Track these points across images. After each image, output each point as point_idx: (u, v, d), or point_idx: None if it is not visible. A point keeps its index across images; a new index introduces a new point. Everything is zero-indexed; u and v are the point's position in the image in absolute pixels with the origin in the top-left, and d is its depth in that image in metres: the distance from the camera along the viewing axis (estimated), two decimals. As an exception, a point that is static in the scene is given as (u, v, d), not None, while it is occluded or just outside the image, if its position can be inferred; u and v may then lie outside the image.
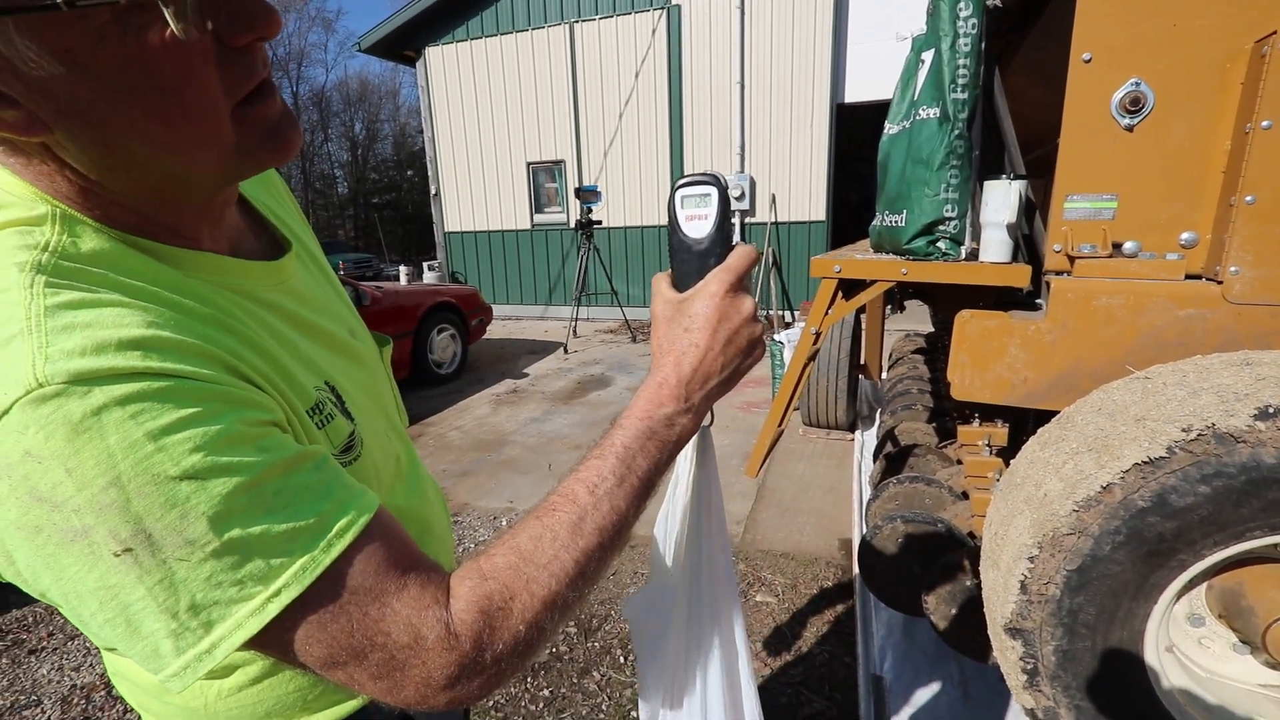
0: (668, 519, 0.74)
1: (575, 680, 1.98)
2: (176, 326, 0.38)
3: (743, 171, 7.31)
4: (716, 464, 0.72)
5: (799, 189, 7.26)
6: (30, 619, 2.36)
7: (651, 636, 0.74)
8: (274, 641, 0.39)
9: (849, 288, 1.76)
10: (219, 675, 0.50)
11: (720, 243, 0.56)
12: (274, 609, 0.37)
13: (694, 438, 0.67)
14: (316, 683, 0.53)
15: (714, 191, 0.55)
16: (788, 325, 6.87)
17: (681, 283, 0.57)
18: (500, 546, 0.45)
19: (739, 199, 7.24)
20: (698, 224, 0.56)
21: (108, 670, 0.58)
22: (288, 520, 0.38)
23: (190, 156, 0.41)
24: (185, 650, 0.36)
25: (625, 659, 2.06)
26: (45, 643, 2.23)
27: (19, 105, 0.35)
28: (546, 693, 1.93)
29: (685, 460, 0.71)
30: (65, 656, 2.15)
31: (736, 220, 7.42)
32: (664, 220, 7.76)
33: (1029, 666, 1.09)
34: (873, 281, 1.67)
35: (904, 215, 1.56)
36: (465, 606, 0.41)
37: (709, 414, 0.58)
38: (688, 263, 0.57)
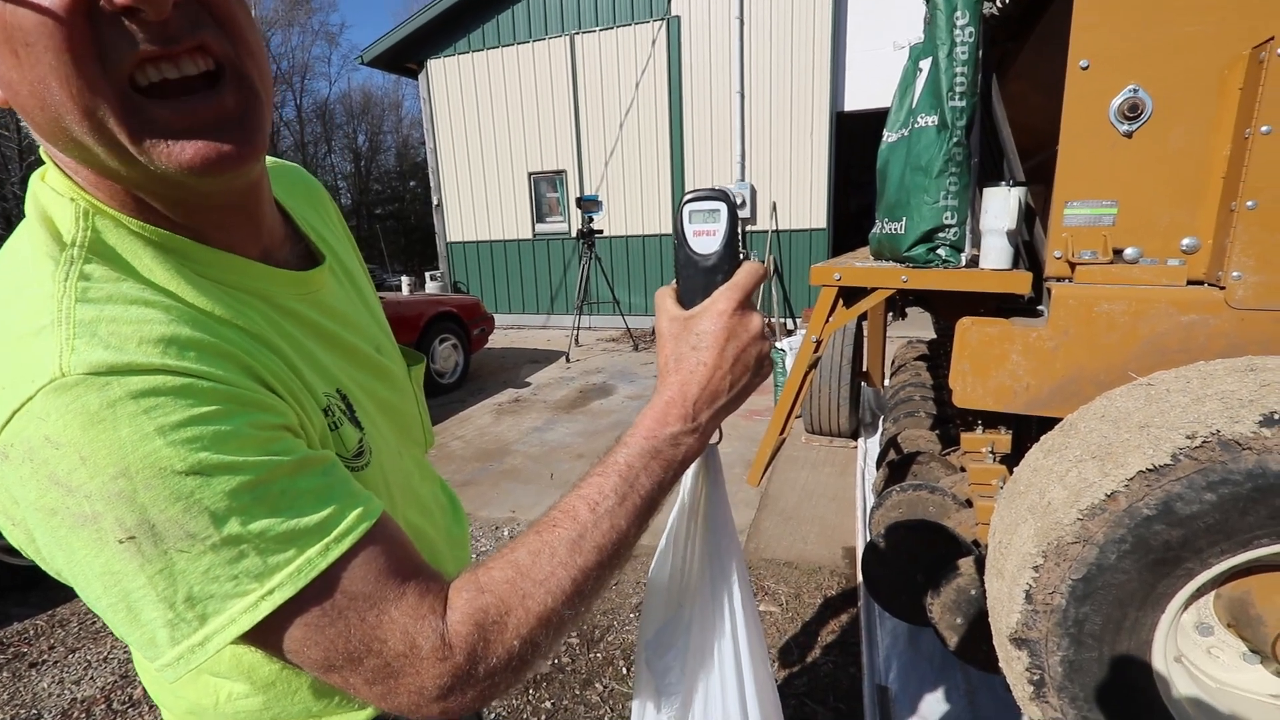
0: (671, 545, 0.71)
1: (577, 692, 1.96)
2: (196, 326, 0.39)
3: (743, 180, 7.33)
4: (724, 483, 0.69)
5: (799, 197, 7.28)
6: (31, 632, 2.35)
7: (675, 676, 0.70)
8: (269, 640, 0.39)
9: (849, 295, 1.76)
10: (227, 676, 0.51)
11: (728, 259, 0.55)
12: (267, 607, 0.37)
13: (707, 460, 0.67)
14: (322, 694, 0.53)
15: (723, 207, 0.54)
16: (789, 333, 6.86)
17: (687, 299, 0.56)
18: (499, 560, 0.45)
19: (740, 207, 7.24)
20: (706, 240, 0.55)
21: (135, 663, 0.59)
22: (289, 521, 0.38)
23: (87, 134, 0.38)
24: (179, 641, 0.37)
25: (628, 670, 2.04)
26: (46, 656, 2.22)
27: None
28: (548, 704, 1.91)
29: (689, 481, 0.69)
30: (66, 670, 2.14)
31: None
32: (665, 229, 7.72)
33: (1035, 677, 1.08)
34: (873, 289, 1.67)
35: (904, 222, 1.56)
36: (461, 618, 0.41)
37: (718, 432, 0.57)
38: (694, 279, 0.55)
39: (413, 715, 0.42)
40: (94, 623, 2.41)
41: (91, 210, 0.41)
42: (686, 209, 0.55)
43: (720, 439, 0.61)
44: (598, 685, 1.98)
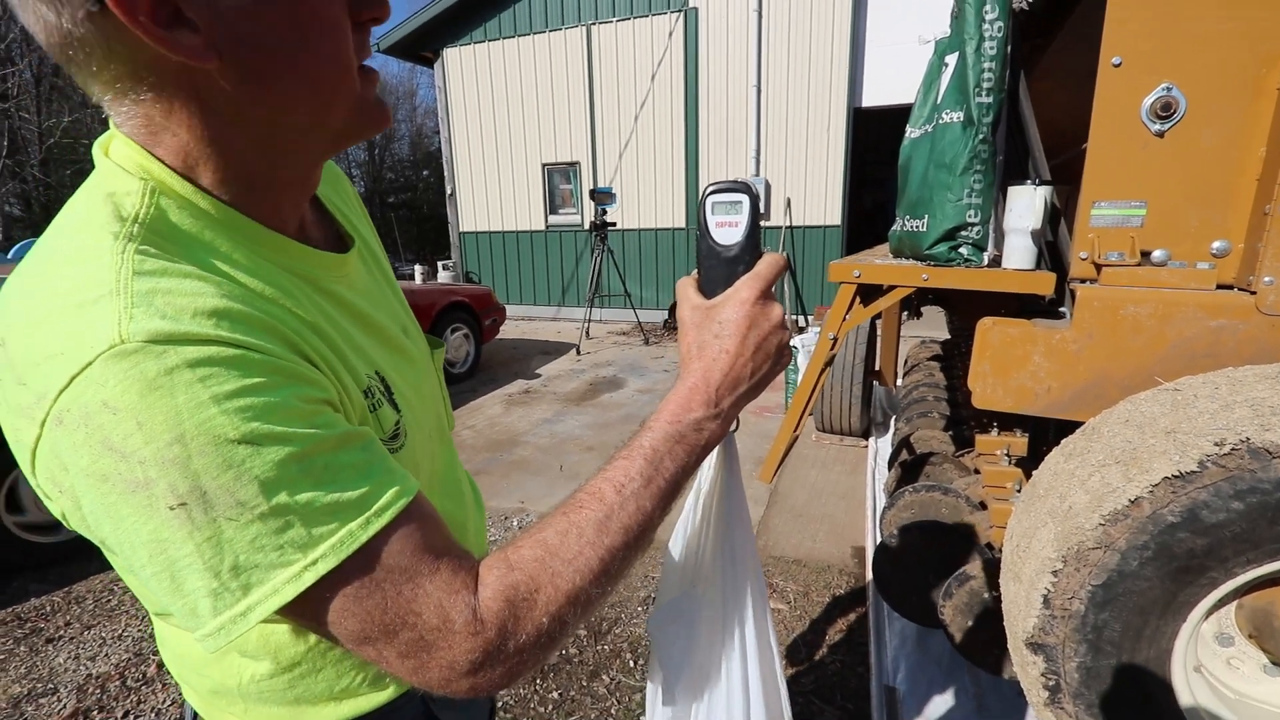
0: (687, 528, 0.74)
1: (585, 683, 1.97)
2: (246, 302, 0.40)
3: (758, 175, 7.28)
4: (740, 470, 0.72)
5: (814, 193, 7.22)
6: (49, 608, 2.39)
7: (679, 649, 0.73)
8: (309, 611, 0.39)
9: (866, 293, 1.75)
10: (254, 656, 0.51)
11: (750, 250, 0.56)
12: (310, 578, 0.38)
13: (723, 446, 0.69)
14: (344, 675, 0.54)
15: (745, 199, 0.55)
16: (801, 330, 6.83)
17: (709, 288, 0.57)
18: (528, 539, 0.46)
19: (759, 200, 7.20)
20: (728, 230, 0.56)
21: (157, 639, 0.59)
22: (332, 493, 0.39)
23: (327, 104, 0.45)
24: (222, 611, 0.37)
25: (635, 663, 2.05)
26: (62, 632, 2.26)
27: (199, 31, 0.38)
28: (555, 695, 1.92)
29: (707, 468, 0.71)
30: (82, 646, 2.18)
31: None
32: (679, 224, 7.70)
33: (1051, 683, 1.07)
34: (892, 287, 1.65)
35: (925, 220, 1.54)
36: (492, 595, 0.42)
37: (736, 421, 0.57)
38: (716, 269, 0.56)
39: (441, 690, 0.43)
40: (109, 600, 2.45)
41: (158, 188, 0.42)
42: (709, 200, 0.56)
43: (738, 427, 0.61)
44: (605, 677, 1.99)
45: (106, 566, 2.66)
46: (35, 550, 2.64)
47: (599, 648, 2.12)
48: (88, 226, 0.40)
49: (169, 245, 0.40)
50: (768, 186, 7.24)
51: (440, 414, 0.67)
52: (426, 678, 0.42)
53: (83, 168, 16.54)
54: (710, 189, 0.56)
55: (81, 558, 2.72)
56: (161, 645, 0.58)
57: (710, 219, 0.56)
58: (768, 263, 0.55)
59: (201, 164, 0.44)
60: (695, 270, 0.59)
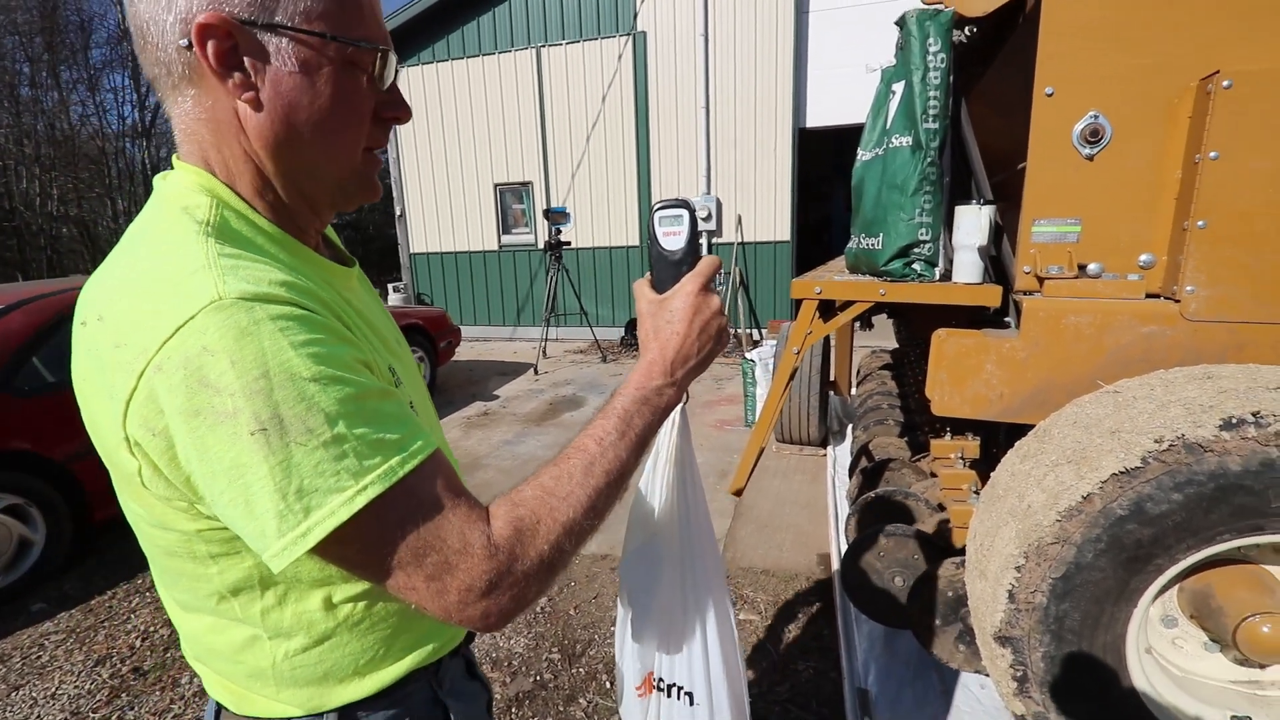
0: (648, 488, 0.88)
1: (561, 708, 1.94)
2: (301, 280, 0.51)
3: (709, 193, 7.45)
4: (691, 436, 0.88)
5: (764, 210, 7.43)
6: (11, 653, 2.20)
7: (644, 588, 0.89)
8: (354, 536, 0.45)
9: (824, 307, 1.82)
10: (287, 635, 0.57)
11: (691, 253, 0.68)
12: (361, 501, 0.44)
13: (678, 417, 0.85)
14: (367, 648, 0.60)
15: (685, 213, 0.68)
16: (756, 344, 6.98)
17: (660, 286, 0.69)
18: (528, 484, 0.54)
19: (705, 219, 7.37)
20: (673, 239, 0.68)
21: (184, 640, 0.65)
22: (378, 433, 0.47)
23: (335, 169, 0.57)
24: (286, 532, 0.44)
25: (611, 685, 2.03)
26: (23, 680, 2.08)
27: (251, 83, 0.50)
28: (532, 722, 1.89)
29: (664, 435, 0.86)
30: (10, 708, 2.00)
31: (704, 239, 7.53)
32: (633, 241, 7.78)
33: (1019, 674, 1.13)
34: (851, 302, 1.73)
35: (880, 238, 1.62)
36: (502, 525, 0.50)
37: (685, 395, 0.71)
38: (665, 269, 0.69)
39: (457, 614, 0.49)
40: (39, 657, 2.27)
41: (220, 204, 0.52)
42: (657, 215, 0.69)
43: (688, 399, 0.77)
44: (581, 700, 1.97)
45: (34, 620, 2.47)
46: (-48, 605, 2.44)
47: (574, 671, 2.10)
48: (171, 229, 0.50)
49: (233, 243, 0.50)
50: (719, 204, 7.42)
51: (434, 420, 0.74)
52: (446, 601, 0.48)
53: (-6, 190, 15.56)
54: (657, 205, 0.69)
55: (5, 612, 2.52)
56: (191, 643, 0.63)
57: (658, 229, 0.68)
58: (706, 262, 0.68)
59: (239, 181, 0.54)
60: (648, 273, 0.71)
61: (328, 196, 0.59)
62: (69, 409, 2.54)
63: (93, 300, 0.48)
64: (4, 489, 2.57)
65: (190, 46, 0.48)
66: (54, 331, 2.88)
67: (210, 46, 0.48)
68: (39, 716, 1.97)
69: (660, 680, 0.93)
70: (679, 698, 0.91)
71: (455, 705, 0.69)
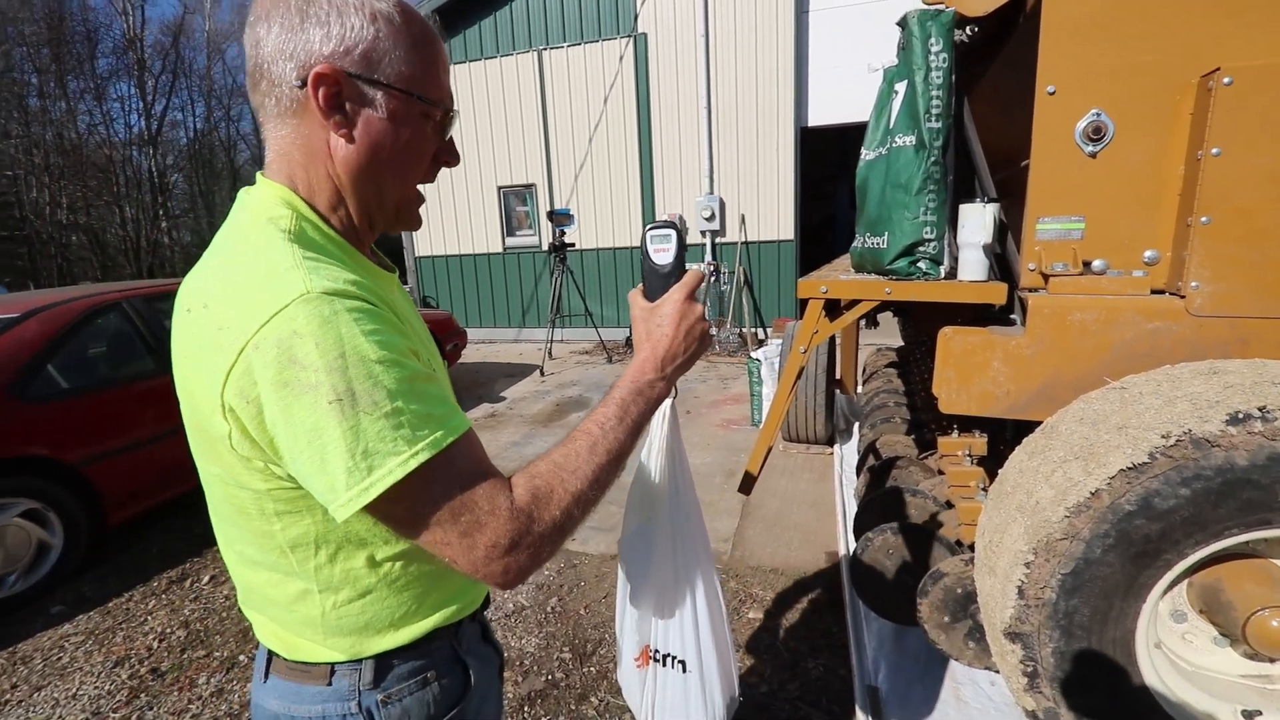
0: (643, 474, 1.01)
1: (573, 707, 1.96)
2: (364, 279, 0.61)
3: (712, 192, 7.46)
4: (680, 429, 1.01)
5: (767, 209, 7.43)
6: (-9, 672, 2.24)
7: (640, 562, 1.03)
8: (404, 495, 0.54)
9: (830, 306, 1.83)
10: (337, 589, 0.65)
11: (678, 267, 0.79)
12: (414, 464, 0.53)
13: (669, 412, 0.97)
14: (402, 603, 0.68)
15: (674, 233, 0.80)
16: (760, 343, 6.98)
17: (651, 295, 0.80)
18: (541, 460, 0.64)
19: (709, 219, 7.39)
20: (663, 254, 0.79)
21: (242, 593, 0.73)
22: (426, 409, 0.56)
23: (392, 198, 0.69)
24: (353, 486, 0.53)
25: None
26: (9, 695, 2.11)
27: (350, 122, 0.62)
28: (545, 721, 1.90)
29: (657, 428, 0.97)
30: (32, 709, 2.04)
31: (707, 240, 7.54)
32: (636, 242, 7.82)
33: (1029, 669, 1.14)
34: (856, 301, 1.74)
35: (885, 237, 1.63)
36: (522, 492, 0.59)
37: (674, 390, 0.81)
38: (655, 281, 0.80)
39: (483, 568, 0.57)
40: (60, 658, 2.30)
41: (299, 216, 0.63)
42: (649, 234, 0.80)
43: (676, 394, 0.89)
44: (593, 699, 1.98)
45: (54, 623, 2.51)
46: (-27, 610, 2.47)
47: (585, 670, 2.11)
48: (261, 235, 0.59)
49: (310, 248, 0.60)
50: (722, 204, 7.42)
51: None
52: (474, 556, 0.56)
53: (5, 200, 15.70)
54: (649, 227, 0.80)
55: (25, 614, 2.56)
56: (250, 594, 0.72)
57: (650, 247, 0.80)
58: (691, 275, 0.79)
59: (318, 197, 0.65)
60: (641, 284, 0.82)
61: (384, 219, 0.70)
62: (84, 415, 2.58)
63: (195, 291, 0.59)
64: (22, 494, 2.61)
65: (303, 87, 0.60)
66: (68, 339, 2.92)
67: (321, 91, 0.59)
68: (61, 716, 2.00)
69: (656, 651, 1.05)
70: (673, 666, 1.04)
71: (472, 663, 0.78)
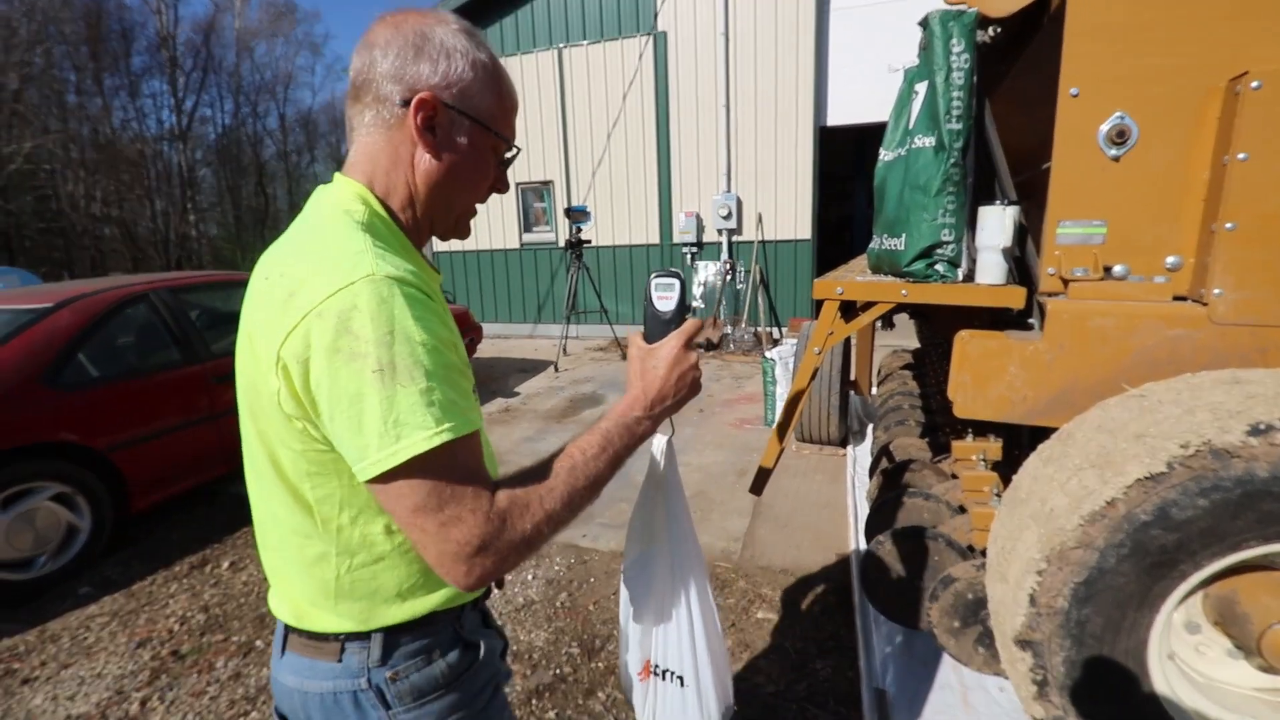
0: (644, 505, 1.08)
1: (580, 701, 1.97)
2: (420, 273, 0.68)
3: (729, 191, 7.43)
4: (678, 467, 1.10)
5: (784, 208, 7.39)
6: (22, 648, 2.31)
7: (643, 587, 1.10)
8: (415, 471, 0.59)
9: (847, 307, 1.82)
10: (354, 553, 0.71)
11: (679, 315, 0.86)
12: (436, 441, 0.59)
13: (666, 448, 1.05)
14: (411, 575, 0.73)
15: (677, 282, 0.93)
16: (775, 342, 6.95)
17: (650, 338, 0.84)
18: (524, 474, 0.68)
19: (726, 218, 7.36)
20: (665, 301, 0.94)
21: (263, 554, 0.79)
22: (453, 396, 0.62)
23: (454, 209, 0.79)
24: (383, 449, 0.58)
25: (631, 678, 2.06)
26: (38, 672, 2.18)
27: (437, 140, 0.72)
28: (552, 714, 1.92)
29: (658, 462, 1.05)
30: (60, 686, 2.10)
31: (724, 238, 7.52)
32: (653, 240, 7.81)
33: (1039, 678, 1.13)
34: (872, 302, 1.73)
35: (903, 239, 1.62)
36: (501, 499, 0.64)
37: (670, 427, 0.87)
38: (656, 325, 0.85)
39: (449, 562, 0.60)
40: (86, 638, 2.37)
41: (370, 211, 0.71)
42: (653, 282, 0.93)
43: (673, 432, 0.96)
44: (600, 694, 2.00)
45: (81, 603, 2.58)
46: (4, 588, 2.55)
47: (593, 665, 2.13)
48: (338, 223, 0.68)
49: (379, 239, 0.67)
50: (739, 202, 7.40)
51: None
52: (444, 547, 0.60)
53: (43, 193, 16.11)
54: (654, 275, 0.98)
55: (54, 595, 2.63)
56: (273, 554, 0.77)
57: (654, 294, 0.93)
58: (690, 324, 0.84)
59: (392, 197, 0.74)
60: (643, 326, 0.85)
61: (442, 225, 0.79)
62: (112, 403, 2.64)
63: (275, 261, 0.68)
64: (52, 478, 2.68)
65: (404, 106, 0.70)
66: (98, 328, 2.99)
67: (420, 114, 0.70)
68: (86, 694, 2.06)
69: (656, 666, 1.12)
70: (671, 680, 1.10)
71: (475, 641, 0.82)
